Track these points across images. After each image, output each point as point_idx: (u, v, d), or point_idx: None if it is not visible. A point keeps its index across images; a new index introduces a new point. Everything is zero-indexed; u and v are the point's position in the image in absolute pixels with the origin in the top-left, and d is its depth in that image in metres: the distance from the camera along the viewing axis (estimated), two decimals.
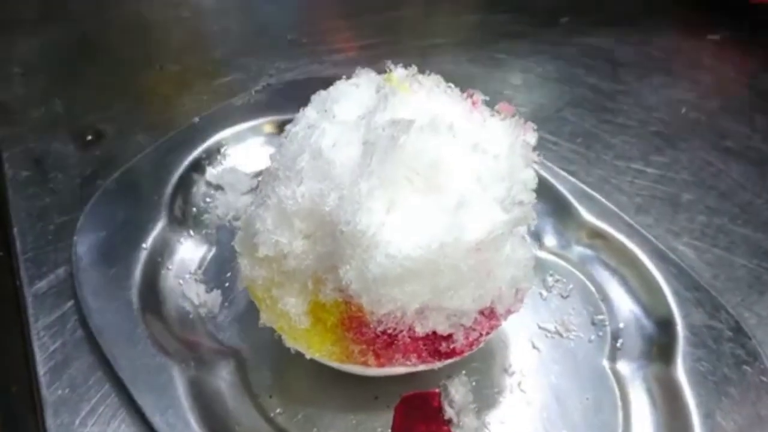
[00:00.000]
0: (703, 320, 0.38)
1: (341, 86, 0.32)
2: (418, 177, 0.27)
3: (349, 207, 0.26)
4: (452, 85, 0.31)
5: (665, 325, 0.38)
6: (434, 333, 0.30)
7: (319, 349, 0.30)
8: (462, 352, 0.31)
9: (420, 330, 0.29)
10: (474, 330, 0.31)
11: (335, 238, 0.27)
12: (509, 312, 0.32)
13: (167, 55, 0.58)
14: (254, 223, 0.30)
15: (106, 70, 0.56)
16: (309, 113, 0.32)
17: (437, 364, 0.31)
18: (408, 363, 0.30)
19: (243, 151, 0.47)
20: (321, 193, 0.28)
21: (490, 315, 0.31)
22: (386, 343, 0.29)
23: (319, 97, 0.33)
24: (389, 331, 0.29)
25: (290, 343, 0.31)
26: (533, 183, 0.30)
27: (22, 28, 0.60)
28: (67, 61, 0.57)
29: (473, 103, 0.31)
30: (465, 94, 0.31)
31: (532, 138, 0.29)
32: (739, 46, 0.62)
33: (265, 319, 0.32)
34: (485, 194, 0.27)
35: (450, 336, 0.30)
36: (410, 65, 0.32)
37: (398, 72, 0.30)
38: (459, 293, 0.28)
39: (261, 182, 0.32)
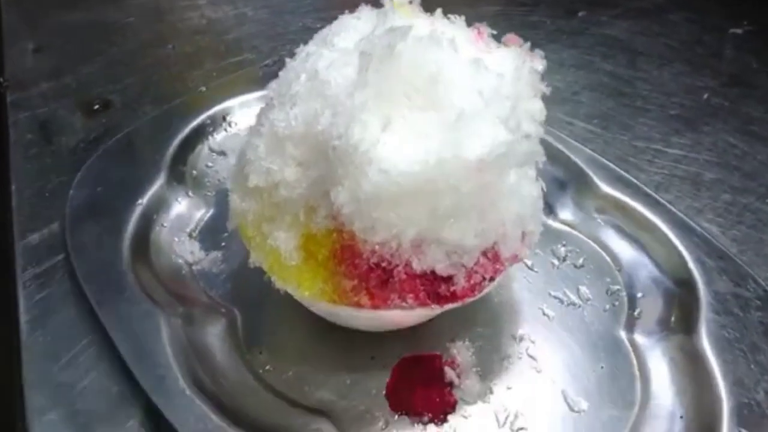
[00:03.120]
0: (728, 288, 0.35)
1: (343, 19, 0.31)
2: (415, 91, 0.25)
3: (341, 121, 0.25)
4: (458, 16, 0.30)
5: (686, 293, 0.35)
6: (433, 273, 0.28)
7: (310, 287, 0.28)
8: (463, 296, 0.29)
9: (417, 266, 0.27)
10: (476, 273, 0.28)
11: (328, 159, 0.26)
12: (515, 258, 0.30)
13: (181, 36, 0.58)
14: (246, 154, 0.29)
15: (120, 49, 0.56)
16: (309, 47, 0.31)
17: (436, 310, 0.29)
18: (404, 305, 0.28)
19: (249, 119, 0.46)
20: (315, 113, 0.26)
21: (493, 257, 0.29)
22: (381, 279, 0.27)
23: (320, 34, 0.31)
24: (384, 265, 0.27)
25: (280, 284, 0.29)
26: (541, 115, 0.28)
27: (42, 9, 0.61)
28: (82, 41, 0.57)
29: (479, 34, 0.29)
30: (473, 27, 0.30)
31: (539, 65, 0.28)
32: (762, 39, 0.60)
33: (255, 257, 0.30)
34: (487, 111, 0.25)
35: (450, 277, 0.28)
36: None
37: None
38: (459, 223, 0.26)
39: (258, 115, 0.31)
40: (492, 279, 0.29)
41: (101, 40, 0.57)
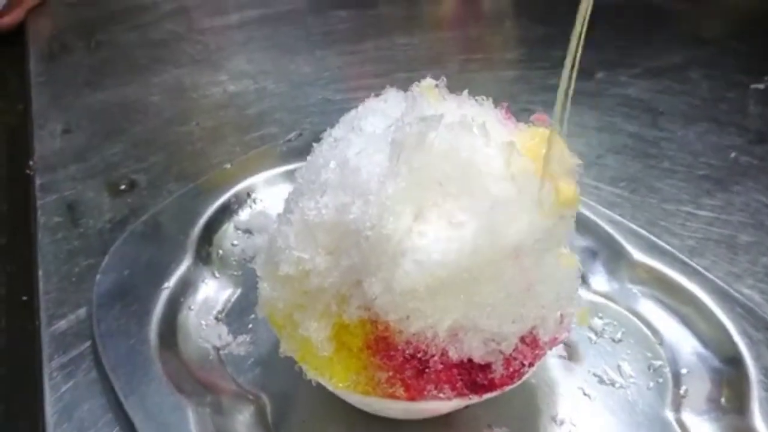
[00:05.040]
0: None
1: (369, 103, 0.31)
2: (448, 179, 0.25)
3: (374, 211, 0.24)
4: (484, 97, 0.30)
5: (734, 369, 0.33)
6: (470, 361, 0.27)
7: (343, 379, 0.27)
8: (502, 385, 0.27)
9: (454, 355, 0.26)
10: (515, 359, 0.27)
11: (360, 248, 0.25)
12: (555, 341, 0.28)
13: (204, 112, 0.59)
14: (276, 241, 0.28)
15: (144, 127, 0.57)
16: (336, 131, 0.31)
17: (474, 399, 0.28)
18: (441, 396, 0.27)
19: (273, 196, 0.46)
20: (345, 202, 0.26)
21: (532, 343, 0.28)
22: (416, 370, 0.26)
23: (347, 117, 0.32)
24: (419, 356, 0.26)
25: (312, 374, 0.28)
26: (575, 194, 0.27)
27: (70, 90, 0.63)
28: (108, 121, 0.59)
29: (507, 113, 0.29)
30: (499, 107, 0.30)
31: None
32: None
33: (286, 347, 0.29)
34: (521, 196, 0.24)
35: (488, 365, 0.27)
36: None
37: (427, 81, 0.29)
38: (497, 310, 0.25)
39: (285, 201, 0.30)
40: (531, 365, 0.28)
41: (126, 119, 0.58)
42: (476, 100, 0.29)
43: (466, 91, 0.30)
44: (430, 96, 0.28)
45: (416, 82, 0.29)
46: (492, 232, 0.24)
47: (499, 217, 0.24)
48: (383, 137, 0.27)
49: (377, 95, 0.32)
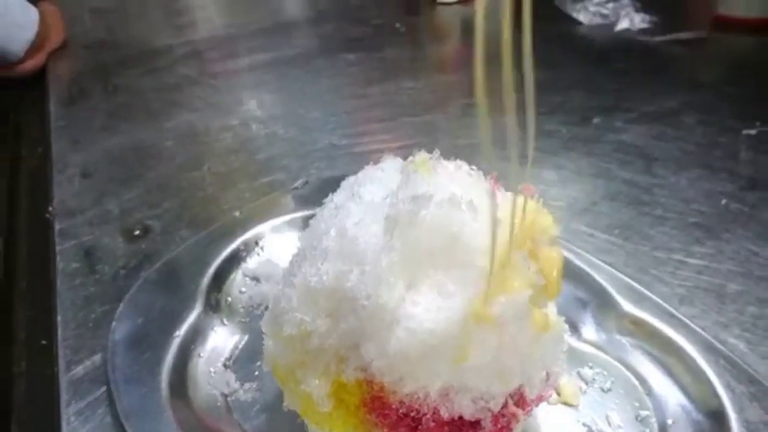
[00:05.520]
0: (761, 416, 0.35)
1: (368, 171, 0.33)
2: (438, 252, 0.27)
3: (370, 281, 0.27)
4: (475, 168, 0.32)
5: (717, 423, 0.35)
6: (461, 418, 0.29)
7: None
8: None
9: (445, 413, 0.28)
10: (503, 416, 0.29)
11: (357, 315, 0.27)
12: (540, 398, 0.30)
13: (215, 157, 0.62)
14: (280, 302, 0.31)
15: (158, 173, 0.60)
16: (337, 197, 0.33)
17: None
18: None
19: (280, 243, 0.49)
20: (344, 270, 0.28)
21: (520, 400, 0.30)
22: (410, 427, 0.28)
23: (347, 182, 0.34)
24: (412, 414, 0.28)
25: (313, 427, 0.30)
26: (558, 261, 0.29)
27: (88, 134, 0.66)
28: (124, 165, 0.61)
29: (495, 183, 0.31)
30: (488, 177, 0.32)
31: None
32: None
33: (289, 401, 0.31)
34: (507, 268, 0.26)
35: (478, 422, 0.29)
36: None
37: (422, 155, 0.31)
38: (483, 372, 0.27)
39: (289, 263, 0.33)
40: (518, 421, 0.30)
41: (141, 163, 0.61)
42: (467, 171, 0.31)
43: (459, 162, 0.32)
44: (423, 170, 0.30)
45: (411, 156, 0.32)
46: (479, 302, 0.26)
47: (485, 287, 0.26)
48: (380, 207, 0.30)
49: (376, 163, 0.34)
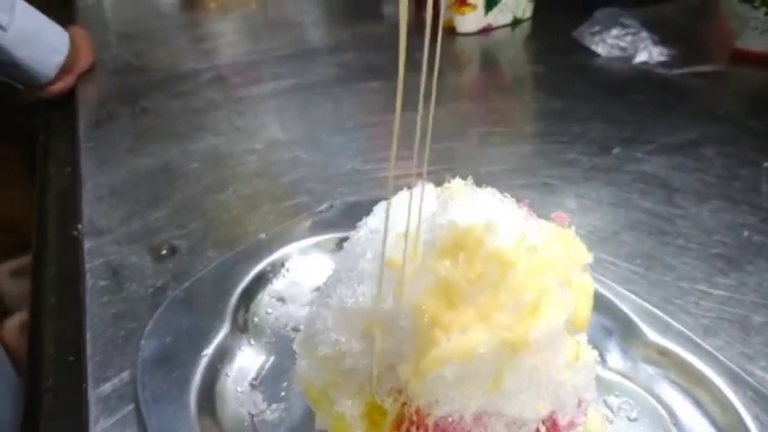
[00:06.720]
0: None
1: (402, 195, 0.34)
2: (476, 276, 0.27)
3: (407, 304, 0.27)
4: (507, 195, 0.33)
5: None
6: None
7: None
8: None
9: None
10: None
11: (394, 336, 0.28)
12: (572, 424, 0.30)
13: (240, 180, 0.63)
14: (315, 323, 0.31)
15: (184, 194, 0.61)
16: (371, 221, 0.34)
17: None
18: None
19: (306, 265, 0.49)
20: (382, 292, 0.28)
21: (551, 426, 0.30)
22: None
23: (380, 207, 0.34)
24: None
25: None
26: (590, 289, 0.30)
27: (116, 155, 0.67)
28: (150, 186, 0.62)
29: (527, 210, 0.32)
30: (520, 204, 0.33)
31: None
32: None
33: (320, 422, 0.31)
34: (545, 294, 0.27)
35: None
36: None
37: (457, 181, 0.32)
38: (519, 397, 0.27)
39: (324, 285, 0.33)
40: None
41: (168, 185, 0.62)
42: (500, 198, 0.32)
43: (491, 189, 0.33)
44: (458, 196, 0.30)
45: (447, 182, 0.32)
46: (516, 330, 0.26)
47: (523, 315, 0.26)
48: (416, 232, 0.30)
49: (405, 189, 0.34)
